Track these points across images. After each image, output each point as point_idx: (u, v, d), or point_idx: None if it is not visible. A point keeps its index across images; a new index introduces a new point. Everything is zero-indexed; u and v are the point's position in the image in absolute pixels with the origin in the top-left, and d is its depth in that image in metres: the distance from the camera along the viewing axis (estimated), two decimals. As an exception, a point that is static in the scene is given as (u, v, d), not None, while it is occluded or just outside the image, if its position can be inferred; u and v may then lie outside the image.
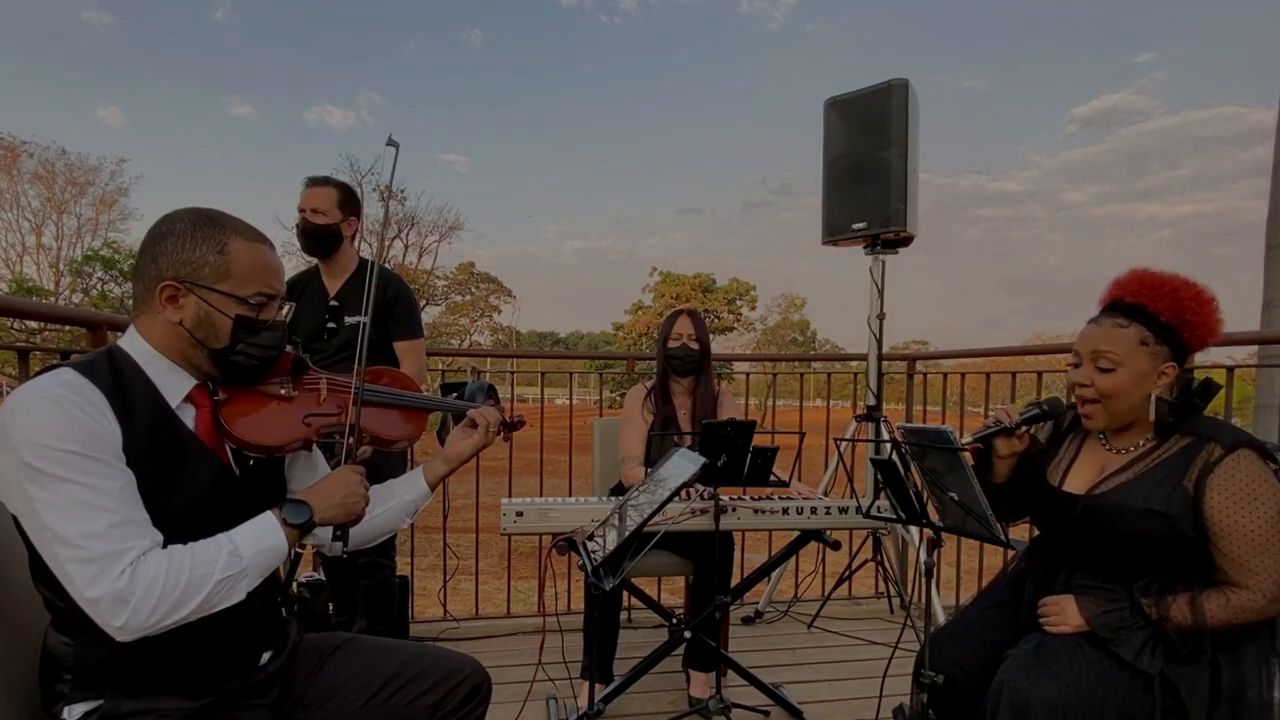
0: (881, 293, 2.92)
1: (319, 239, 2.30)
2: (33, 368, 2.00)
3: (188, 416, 1.09)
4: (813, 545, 2.23)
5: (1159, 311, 1.35)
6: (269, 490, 1.18)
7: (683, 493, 1.72)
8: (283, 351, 1.18)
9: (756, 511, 2.01)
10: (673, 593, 4.06)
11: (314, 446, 1.26)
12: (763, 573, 2.32)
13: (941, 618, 2.58)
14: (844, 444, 2.66)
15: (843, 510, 2.04)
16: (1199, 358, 1.42)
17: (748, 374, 4.13)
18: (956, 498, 1.42)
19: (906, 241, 2.88)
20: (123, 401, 1.00)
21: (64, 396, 0.94)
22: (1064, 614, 1.38)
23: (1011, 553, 1.64)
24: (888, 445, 1.53)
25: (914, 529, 2.59)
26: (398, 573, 2.54)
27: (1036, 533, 1.62)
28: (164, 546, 0.98)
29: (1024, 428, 1.47)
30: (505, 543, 4.07)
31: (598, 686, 2.04)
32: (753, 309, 38.94)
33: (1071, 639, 1.35)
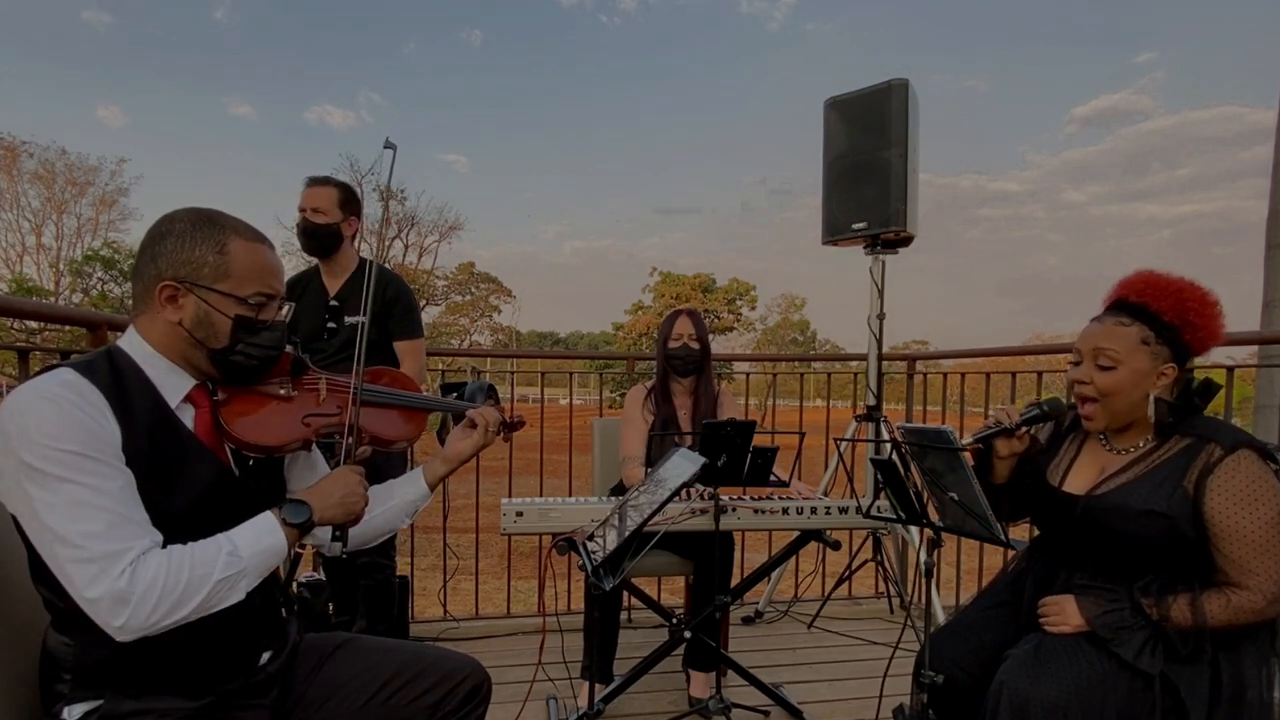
0: (881, 293, 2.92)
1: (319, 238, 2.31)
2: (33, 368, 2.00)
3: (187, 417, 1.09)
4: (813, 545, 2.23)
5: (1162, 311, 1.35)
6: (268, 490, 1.18)
7: (683, 493, 1.72)
8: (282, 351, 1.18)
9: (756, 511, 2.01)
10: (673, 593, 4.06)
11: (314, 446, 1.26)
12: (763, 573, 2.32)
13: (941, 618, 2.58)
14: (844, 444, 2.66)
15: (843, 510, 2.04)
16: (1199, 358, 1.41)
17: (748, 374, 4.13)
18: (956, 498, 1.42)
19: (906, 241, 2.88)
20: (122, 402, 1.00)
21: (63, 397, 0.94)
22: (1064, 614, 1.38)
23: (1011, 553, 1.63)
24: (888, 445, 1.53)
25: (914, 529, 2.59)
26: (398, 573, 2.54)
27: (1036, 533, 1.62)
28: (163, 546, 0.98)
29: (1024, 428, 1.47)
30: (505, 543, 4.06)
31: (598, 686, 2.04)
32: (753, 309, 38.99)
33: (1071, 639, 1.35)
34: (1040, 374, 2.73)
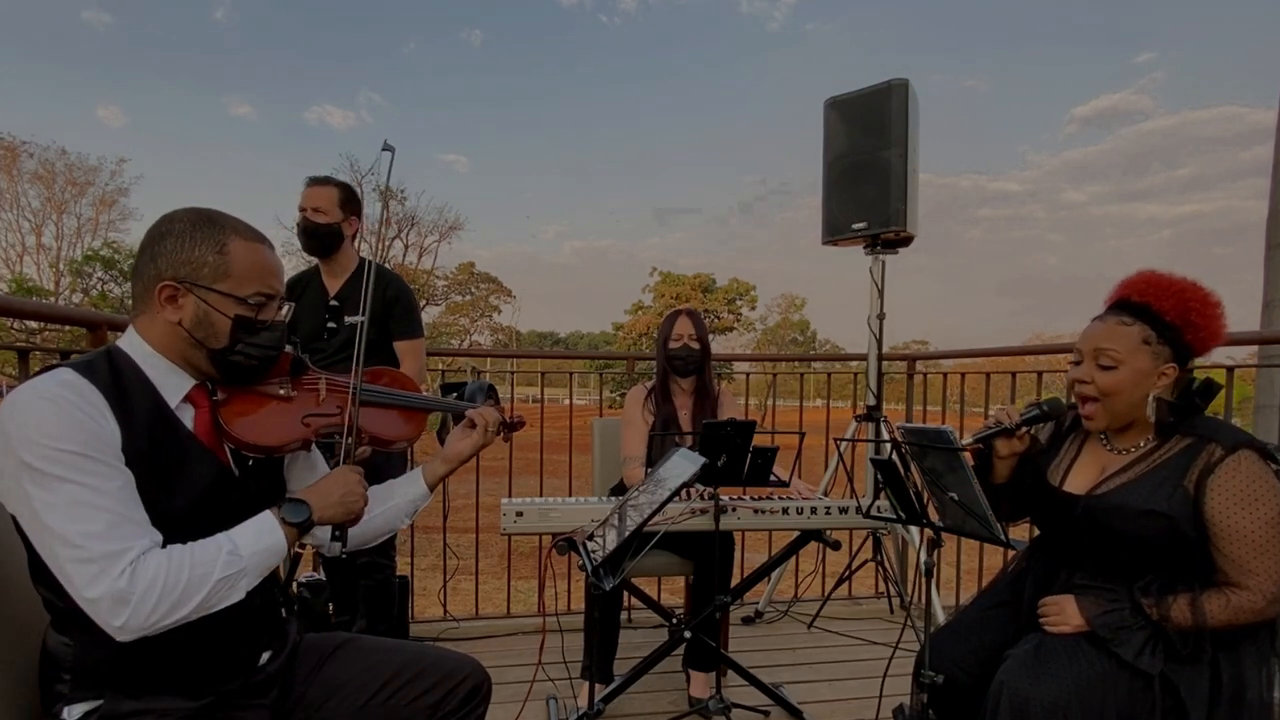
0: (881, 293, 2.92)
1: (320, 238, 2.31)
2: (33, 368, 2.00)
3: (187, 417, 1.09)
4: (813, 545, 2.23)
5: (1164, 311, 1.35)
6: (268, 490, 1.18)
7: (683, 493, 1.72)
8: (282, 351, 1.18)
9: (756, 511, 2.00)
10: (673, 593, 4.06)
11: (313, 447, 1.26)
12: (763, 573, 2.32)
13: (941, 618, 2.58)
14: (844, 444, 2.66)
15: (843, 510, 2.04)
16: (1199, 358, 1.41)
17: (748, 374, 4.13)
18: (956, 498, 1.42)
19: (906, 241, 2.88)
20: (122, 402, 1.00)
21: (63, 397, 0.94)
22: (1064, 614, 1.38)
23: (1011, 553, 1.63)
24: (888, 445, 1.53)
25: (914, 529, 2.59)
26: (398, 573, 2.54)
27: (1036, 533, 1.62)
28: (163, 546, 0.98)
29: (1024, 428, 1.47)
30: (505, 543, 4.06)
31: (598, 686, 2.04)
32: (753, 309, 38.99)
33: (1071, 639, 1.35)
34: (1040, 374, 2.73)
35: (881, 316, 2.94)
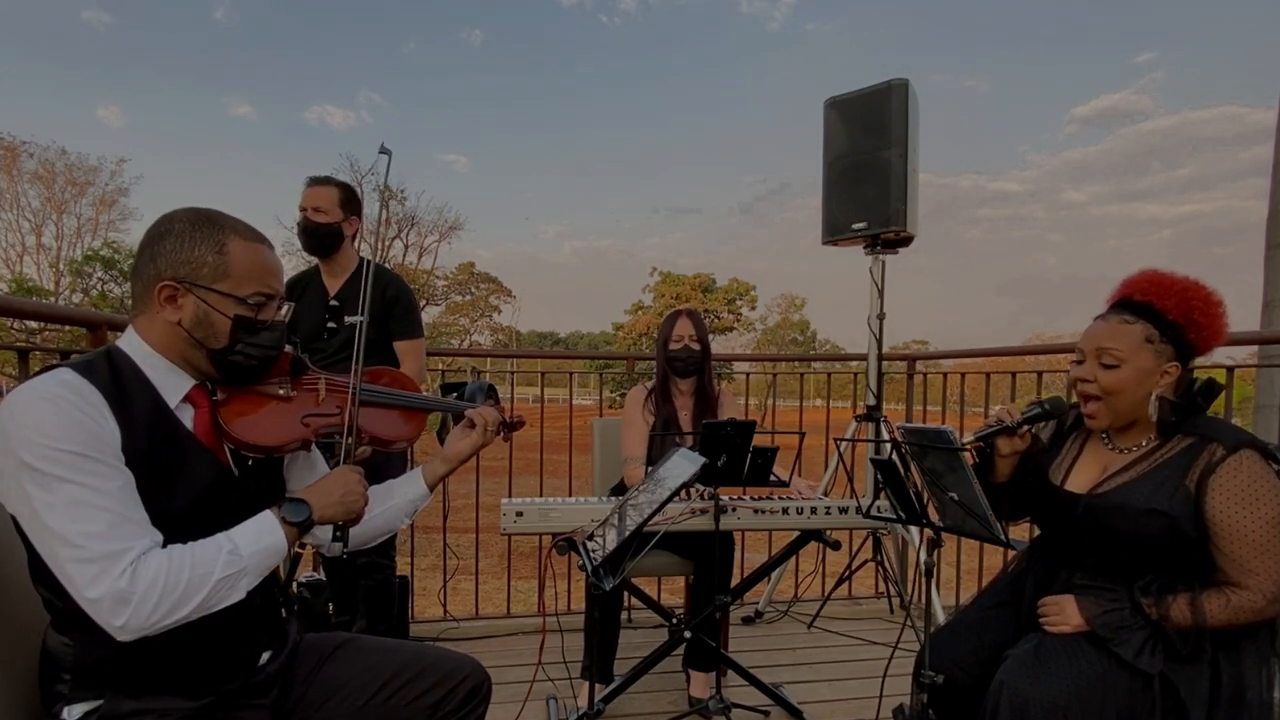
0: (881, 293, 2.92)
1: (320, 238, 2.31)
2: (33, 368, 2.00)
3: (186, 417, 1.09)
4: (813, 545, 2.23)
5: (1166, 310, 1.35)
6: (268, 490, 1.18)
7: (683, 493, 1.72)
8: (281, 351, 1.18)
9: (756, 511, 2.00)
10: (673, 593, 4.06)
11: (313, 447, 1.26)
12: (763, 573, 2.32)
13: (941, 618, 2.58)
14: (844, 444, 2.66)
15: (843, 510, 2.04)
16: (1199, 358, 1.41)
17: (748, 374, 4.13)
18: (956, 498, 1.42)
19: (906, 241, 2.88)
20: (121, 402, 1.00)
21: (62, 397, 0.94)
22: (1064, 614, 1.38)
23: (1012, 553, 1.63)
24: (888, 445, 1.53)
25: (914, 529, 2.59)
26: (398, 573, 2.54)
27: (1037, 532, 1.62)
28: (163, 546, 0.98)
29: (1026, 426, 1.47)
30: (505, 543, 4.06)
31: (598, 686, 2.04)
32: (753, 309, 38.99)
33: (1071, 639, 1.35)
34: (1040, 374, 2.73)
35: (881, 316, 2.94)
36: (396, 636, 2.48)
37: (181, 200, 1.16)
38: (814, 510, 2.03)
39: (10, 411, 0.93)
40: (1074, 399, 1.52)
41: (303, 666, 1.22)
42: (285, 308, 1.16)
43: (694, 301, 35.40)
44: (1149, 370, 1.36)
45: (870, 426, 2.92)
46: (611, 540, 1.55)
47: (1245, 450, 1.29)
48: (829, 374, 3.79)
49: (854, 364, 3.91)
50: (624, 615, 2.86)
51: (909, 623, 2.74)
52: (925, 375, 3.49)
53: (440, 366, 3.26)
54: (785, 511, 2.02)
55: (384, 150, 1.28)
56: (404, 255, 29.84)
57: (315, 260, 2.41)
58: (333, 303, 2.34)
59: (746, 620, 3.03)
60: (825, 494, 2.62)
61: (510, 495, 2.21)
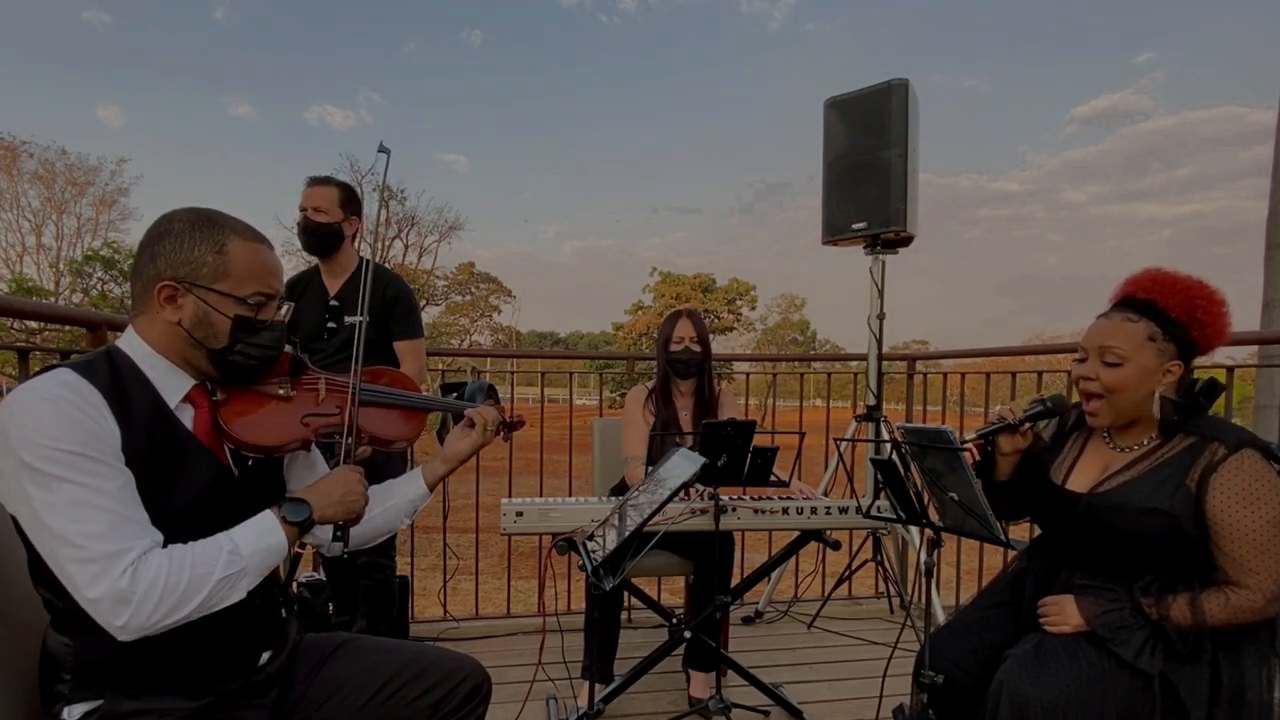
0: (881, 293, 2.92)
1: (320, 237, 2.31)
2: (33, 368, 2.00)
3: (186, 417, 1.09)
4: (813, 545, 2.23)
5: (1170, 308, 1.35)
6: (268, 490, 1.18)
7: (683, 493, 1.72)
8: (281, 351, 1.18)
9: (756, 511, 2.00)
10: (673, 593, 4.06)
11: (313, 446, 1.26)
12: (763, 573, 2.32)
13: (941, 618, 2.58)
14: (844, 444, 2.66)
15: (843, 510, 2.04)
16: (1199, 358, 1.41)
17: (748, 374, 4.13)
18: (956, 498, 1.42)
19: (906, 241, 2.88)
20: (121, 402, 1.00)
21: (62, 397, 0.94)
22: (1064, 614, 1.38)
23: (1012, 553, 1.63)
24: (888, 445, 1.53)
25: (914, 529, 2.59)
26: (398, 573, 2.54)
27: (1037, 532, 1.62)
28: (163, 546, 0.98)
29: (1028, 424, 1.47)
30: (505, 543, 4.06)
31: (598, 686, 2.04)
32: (753, 309, 38.99)
33: (1071, 639, 1.35)
34: (1040, 374, 2.72)
35: (881, 316, 2.94)
36: (396, 636, 2.48)
37: (181, 200, 1.16)
38: (814, 510, 2.03)
39: (10, 411, 0.93)
40: (1076, 398, 1.52)
41: (303, 666, 1.22)
42: (285, 308, 1.16)
43: (694, 301, 35.40)
44: (1151, 369, 1.36)
45: (870, 426, 2.92)
46: (611, 540, 1.55)
47: (1247, 450, 1.29)
48: (829, 374, 3.79)
49: (854, 364, 3.91)
50: (624, 615, 2.86)
51: (909, 623, 2.74)
52: (925, 375, 3.49)
53: (440, 366, 3.26)
54: (785, 511, 2.02)
55: (383, 149, 1.27)
56: (404, 255, 29.85)
57: (315, 260, 2.41)
58: (333, 303, 2.34)
59: (746, 620, 3.03)
60: (825, 494, 2.62)
61: (510, 495, 2.21)
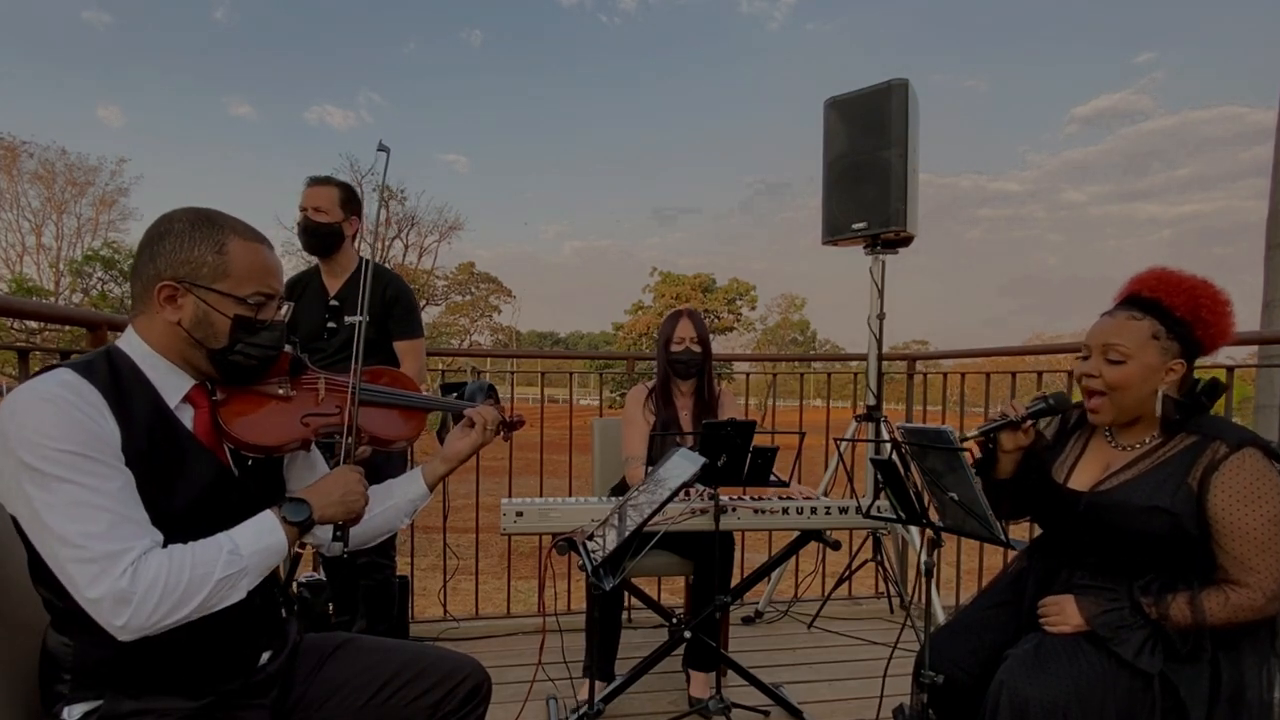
0: (881, 293, 2.92)
1: (320, 237, 2.31)
2: (33, 368, 2.00)
3: (186, 417, 1.09)
4: (813, 545, 2.23)
5: (1174, 307, 1.35)
6: (268, 490, 1.18)
7: (683, 493, 1.72)
8: (281, 351, 1.18)
9: (756, 511, 2.00)
10: (673, 593, 4.06)
11: (313, 446, 1.26)
12: (763, 573, 2.32)
13: (941, 618, 2.58)
14: (844, 444, 2.66)
15: (843, 510, 2.04)
16: (1199, 358, 1.41)
17: (748, 374, 4.13)
18: (956, 498, 1.42)
19: (906, 241, 2.88)
20: (121, 402, 1.00)
21: (62, 397, 0.94)
22: (1064, 614, 1.38)
23: (1012, 552, 1.64)
24: (888, 445, 1.53)
25: (914, 529, 2.59)
26: (398, 573, 2.54)
27: (1037, 532, 1.62)
28: (164, 546, 0.98)
29: (1029, 421, 1.47)
30: (505, 543, 4.07)
31: (598, 686, 2.04)
32: (753, 309, 39.00)
33: (1071, 639, 1.35)
34: (1040, 374, 2.73)
35: (881, 316, 2.94)
36: (396, 636, 2.48)
37: (181, 200, 1.16)
38: (814, 510, 2.03)
39: (10, 412, 0.93)
40: (1077, 397, 1.52)
41: (303, 666, 1.22)
42: (285, 308, 1.16)
43: (694, 301, 35.41)
44: (1154, 367, 1.36)
45: (870, 426, 2.92)
46: (611, 540, 1.55)
47: (1248, 448, 1.29)
48: (829, 374, 3.79)
49: (854, 364, 3.91)
50: (624, 615, 2.86)
51: (909, 623, 2.74)
52: (925, 375, 3.49)
53: (440, 366, 3.26)
54: (785, 511, 2.02)
55: (382, 147, 1.27)
56: (404, 255, 29.85)
57: (315, 260, 2.41)
58: (333, 303, 2.34)
59: (746, 620, 3.03)
60: (825, 494, 2.62)
61: (510, 495, 2.21)
